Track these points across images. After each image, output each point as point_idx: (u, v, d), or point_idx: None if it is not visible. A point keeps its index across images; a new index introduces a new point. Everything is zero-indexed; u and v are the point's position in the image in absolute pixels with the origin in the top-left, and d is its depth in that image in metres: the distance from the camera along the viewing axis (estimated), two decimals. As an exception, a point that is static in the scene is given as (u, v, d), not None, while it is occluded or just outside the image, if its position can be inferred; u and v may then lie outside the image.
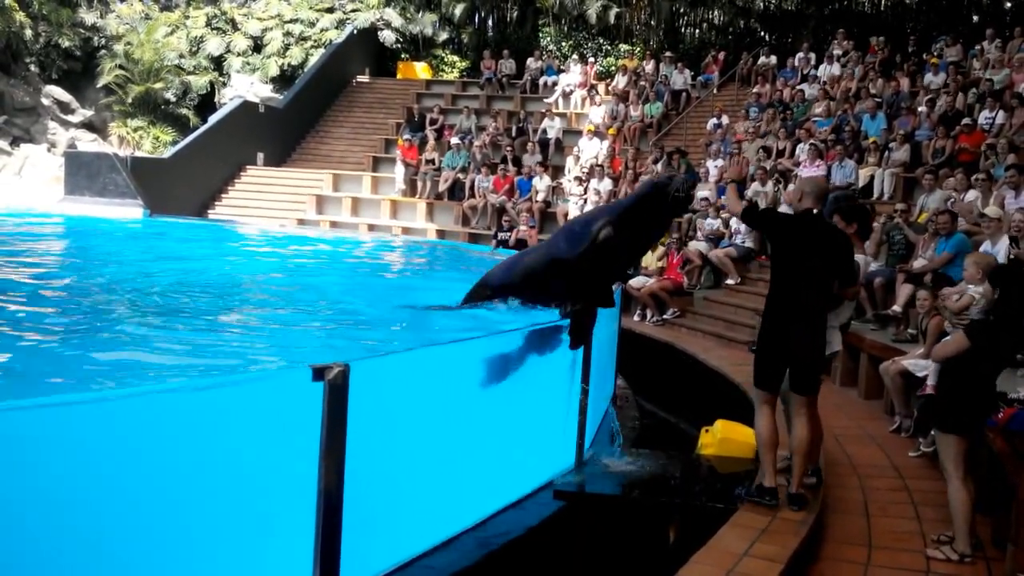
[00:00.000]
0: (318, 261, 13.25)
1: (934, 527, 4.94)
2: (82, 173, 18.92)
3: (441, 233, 17.91)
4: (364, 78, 25.20)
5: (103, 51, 25.67)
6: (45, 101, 25.03)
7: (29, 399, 2.44)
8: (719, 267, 13.21)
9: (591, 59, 23.63)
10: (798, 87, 17.98)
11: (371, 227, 18.47)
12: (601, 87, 21.97)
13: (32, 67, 25.18)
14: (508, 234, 15.73)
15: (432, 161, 19.23)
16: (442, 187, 18.66)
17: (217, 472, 2.98)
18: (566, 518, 4.97)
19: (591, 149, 18.21)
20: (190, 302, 8.11)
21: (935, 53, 16.90)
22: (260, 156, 21.61)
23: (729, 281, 13.06)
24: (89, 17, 26.11)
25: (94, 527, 2.66)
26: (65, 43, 25.37)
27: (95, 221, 16.45)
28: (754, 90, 18.63)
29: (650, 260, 13.45)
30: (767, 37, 24.36)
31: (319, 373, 3.05)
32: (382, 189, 19.82)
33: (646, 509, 5.17)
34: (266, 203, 20.07)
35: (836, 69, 17.98)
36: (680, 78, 20.39)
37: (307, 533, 3.13)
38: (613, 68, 23.21)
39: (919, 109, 14.80)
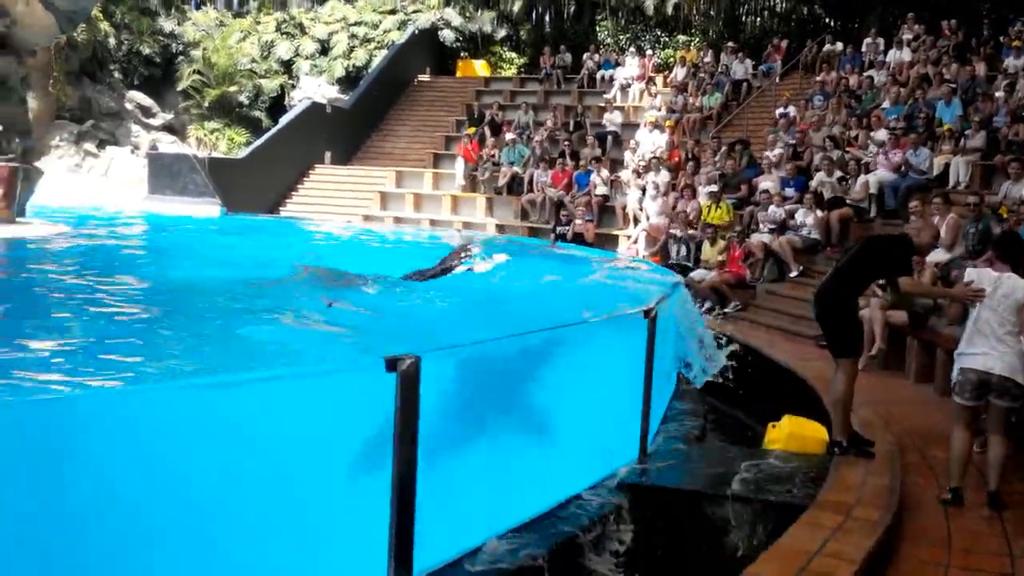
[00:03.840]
0: (391, 254, 12.94)
1: (1018, 528, 4.64)
2: (164, 173, 19.00)
3: (500, 228, 17.29)
4: (425, 77, 24.76)
5: (181, 57, 25.66)
6: (128, 106, 25.15)
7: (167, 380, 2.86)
8: (782, 258, 12.38)
9: (649, 51, 22.68)
10: (866, 74, 16.70)
11: (432, 222, 17.95)
12: (659, 79, 20.94)
13: (116, 74, 25.27)
14: (566, 228, 15.09)
15: (491, 157, 18.63)
16: (501, 182, 17.95)
17: (296, 459, 2.95)
18: (630, 510, 4.77)
19: (649, 142, 17.27)
20: (270, 296, 8.02)
21: (1013, 35, 15.55)
22: (327, 155, 21.33)
23: (792, 273, 12.23)
24: (168, 25, 26.19)
25: (200, 504, 2.68)
26: (146, 50, 25.47)
27: (178, 219, 16.47)
28: (818, 78, 17.30)
29: (711, 254, 12.65)
30: (831, 23, 22.87)
31: (392, 364, 3.00)
32: (443, 185, 19.27)
33: (712, 503, 4.91)
34: (333, 200, 19.79)
35: (906, 55, 16.57)
36: (741, 68, 19.13)
37: (382, 518, 3.08)
38: (671, 60, 22.20)
39: (996, 94, 13.59)
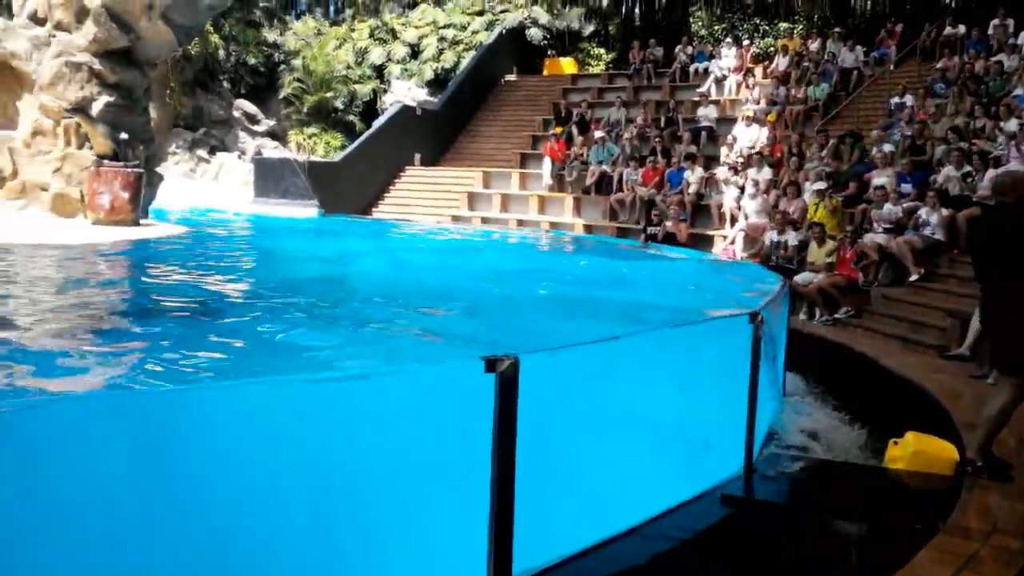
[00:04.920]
0: (488, 254, 12.59)
1: None
2: (268, 177, 18.98)
3: (588, 228, 16.00)
4: (512, 77, 23.72)
5: (282, 66, 25.76)
6: (236, 113, 25.32)
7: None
8: (900, 260, 10.57)
9: (746, 41, 20.76)
10: (994, 59, 14.45)
11: (520, 222, 16.90)
12: (758, 70, 19.02)
13: (225, 84, 25.57)
14: (658, 228, 13.63)
15: (579, 156, 17.23)
16: (589, 181, 16.53)
17: (398, 459, 2.78)
18: (733, 525, 4.30)
19: (748, 136, 15.50)
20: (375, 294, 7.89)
21: None
22: (417, 156, 20.59)
23: (911, 277, 10.42)
24: (271, 35, 26.40)
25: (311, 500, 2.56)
26: (251, 60, 25.74)
27: (283, 220, 16.82)
28: (938, 65, 15.11)
29: (818, 255, 10.97)
30: (952, 4, 20.11)
31: (491, 365, 2.87)
32: (530, 185, 18.09)
33: (823, 523, 4.39)
34: (423, 201, 19.07)
35: (1041, 36, 14.36)
36: (850, 56, 16.92)
37: (481, 521, 2.93)
38: (772, 49, 20.20)
39: None
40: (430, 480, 2.90)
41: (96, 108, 11.17)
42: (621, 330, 4.19)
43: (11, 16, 12.32)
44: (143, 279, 8.37)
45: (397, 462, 2.79)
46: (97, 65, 11.30)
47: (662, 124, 17.48)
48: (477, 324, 6.55)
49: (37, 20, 11.65)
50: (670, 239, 13.25)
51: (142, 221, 11.57)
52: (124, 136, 11.33)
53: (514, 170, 18.74)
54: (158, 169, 13.44)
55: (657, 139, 16.49)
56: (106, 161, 11.10)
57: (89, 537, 2.11)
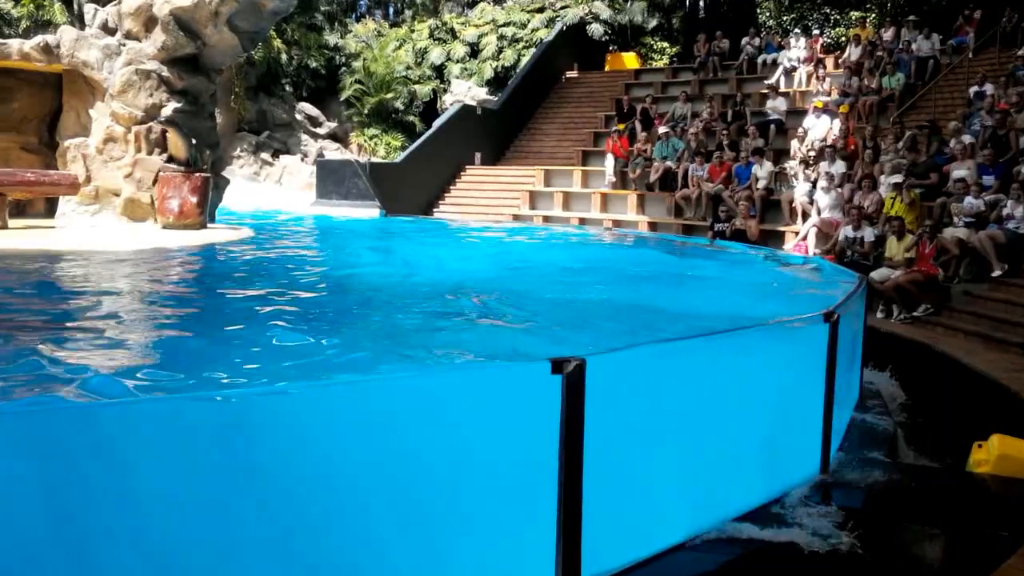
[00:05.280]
0: (557, 254, 12.42)
1: None
2: (331, 179, 19.15)
3: (653, 225, 15.77)
4: (573, 73, 23.53)
5: (343, 68, 26.14)
6: (298, 116, 25.84)
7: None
8: (983, 255, 10.16)
9: (816, 31, 20.27)
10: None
11: (582, 220, 16.80)
12: (829, 61, 18.57)
13: (287, 87, 26.09)
14: (725, 225, 13.38)
15: (643, 152, 17.01)
16: (653, 178, 16.29)
17: (465, 460, 2.78)
18: (809, 532, 4.05)
19: (819, 129, 15.11)
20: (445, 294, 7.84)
21: None
22: (477, 156, 20.60)
23: (995, 272, 10.01)
24: (332, 39, 26.72)
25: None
26: (313, 64, 26.17)
27: (346, 221, 16.99)
28: (1020, 52, 14.40)
29: (897, 250, 10.62)
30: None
31: (557, 366, 2.87)
32: (592, 182, 17.93)
33: (903, 529, 4.23)
34: (483, 200, 19.08)
35: None
36: (926, 44, 16.35)
37: (549, 525, 2.95)
38: (843, 39, 19.68)
39: None
40: (498, 482, 2.89)
41: (165, 114, 11.48)
42: (688, 331, 4.13)
43: (83, 26, 12.74)
44: (218, 280, 8.54)
45: (465, 464, 2.79)
46: (165, 72, 11.60)
47: (729, 118, 17.14)
48: (543, 325, 6.51)
49: (108, 30, 12.01)
50: (739, 236, 12.99)
51: (209, 224, 11.80)
52: (192, 141, 11.61)
53: (575, 168, 18.59)
54: (224, 173, 13.71)
55: (724, 133, 16.18)
56: (174, 166, 11.40)
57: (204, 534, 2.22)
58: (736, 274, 9.84)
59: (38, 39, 11.51)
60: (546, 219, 17.22)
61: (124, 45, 11.64)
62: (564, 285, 8.66)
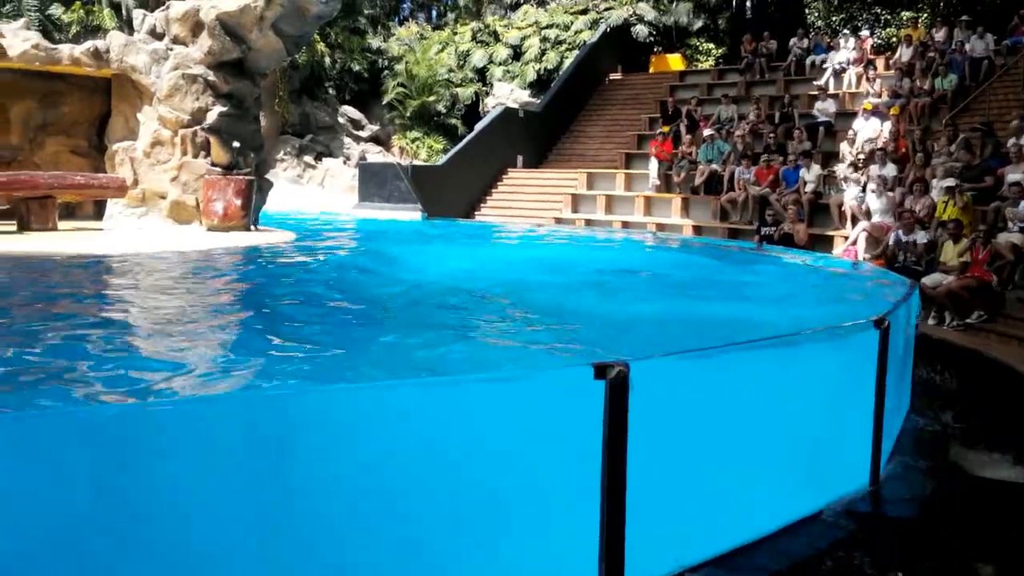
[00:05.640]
0: (594, 257, 12.42)
1: None
2: (373, 182, 19.34)
3: (697, 229, 15.66)
4: (616, 75, 23.49)
5: (386, 72, 26.42)
6: (341, 120, 26.11)
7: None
8: (1040, 262, 9.91)
9: (865, 32, 19.96)
10: None
11: (624, 224, 16.70)
12: (879, 62, 18.24)
13: (331, 91, 26.37)
14: (772, 229, 13.19)
15: (687, 155, 16.90)
16: (698, 181, 16.17)
17: (508, 465, 2.79)
18: (858, 542, 4.01)
19: (869, 131, 14.89)
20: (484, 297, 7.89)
21: None
22: (520, 159, 20.63)
23: (1053, 279, 9.76)
24: (375, 42, 26.90)
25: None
26: (356, 67, 26.43)
27: (388, 223, 17.20)
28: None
29: (950, 254, 10.39)
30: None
31: (600, 371, 2.87)
32: (635, 186, 17.83)
33: (958, 543, 4.05)
34: (525, 203, 19.10)
35: None
36: (980, 44, 15.94)
37: (591, 532, 2.94)
38: (894, 39, 19.36)
39: None
40: (540, 486, 2.88)
41: (210, 118, 11.70)
42: (734, 338, 4.05)
43: (132, 32, 13.05)
44: (262, 281, 8.69)
45: (507, 468, 2.79)
46: (211, 76, 11.83)
47: (776, 120, 16.96)
48: (585, 330, 6.50)
49: (156, 35, 12.29)
50: (786, 240, 12.81)
51: (253, 227, 12.02)
52: (236, 144, 11.81)
53: (619, 171, 18.52)
54: (267, 176, 13.91)
55: (771, 135, 16.02)
56: (219, 169, 11.62)
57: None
58: (783, 279, 9.73)
59: (88, 44, 11.81)
60: (588, 222, 17.19)
61: (171, 50, 11.90)
62: (607, 289, 8.64)
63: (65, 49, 11.68)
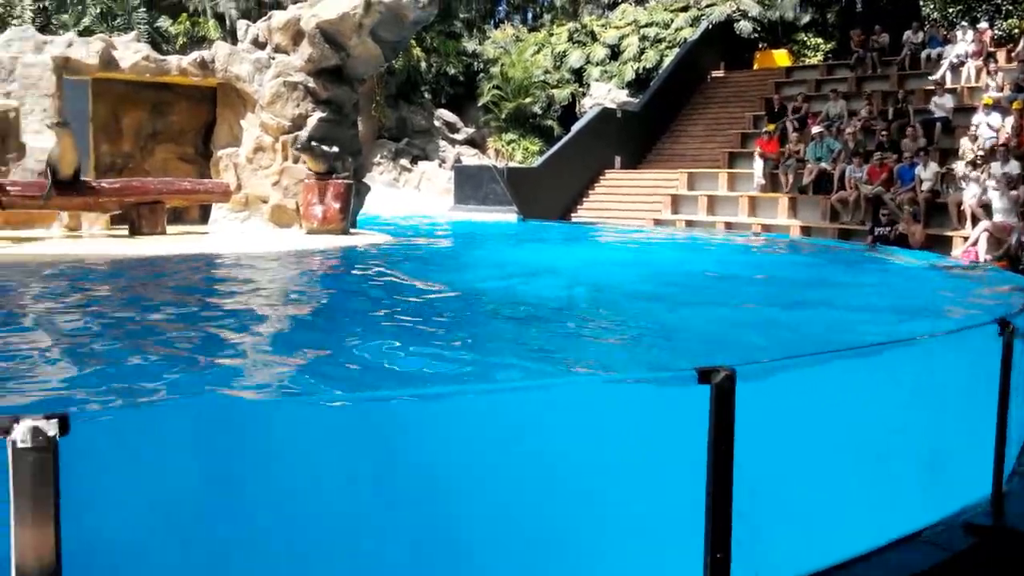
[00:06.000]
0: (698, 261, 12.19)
1: None
2: (468, 184, 19.50)
3: (806, 230, 15.20)
4: (719, 73, 23.06)
5: (481, 74, 26.63)
6: (436, 123, 26.48)
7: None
8: None
9: (984, 24, 18.96)
10: None
11: (728, 225, 16.38)
12: (1000, 55, 17.35)
13: (426, 94, 26.78)
14: (887, 229, 12.70)
15: (795, 153, 16.43)
16: (806, 180, 15.71)
17: (606, 473, 2.74)
18: (980, 557, 3.88)
19: (990, 127, 14.15)
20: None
21: None
22: (618, 159, 20.43)
23: None
24: (470, 45, 27.12)
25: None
26: (451, 71, 26.73)
27: (485, 225, 17.27)
28: None
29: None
30: None
31: (705, 376, 2.79)
32: (739, 185, 17.43)
33: None
34: (623, 205, 18.93)
35: None
36: (1113, 30, 15.23)
37: (696, 542, 2.81)
38: (1016, 31, 18.36)
39: None
40: (642, 495, 2.83)
41: (310, 124, 12.04)
42: (847, 342, 3.92)
43: (235, 41, 13.55)
44: (360, 283, 8.85)
45: (608, 476, 2.75)
46: (311, 83, 12.17)
47: (890, 116, 16.32)
48: (687, 334, 6.36)
49: (258, 44, 12.73)
50: (901, 241, 12.31)
51: (351, 230, 12.28)
52: (335, 149, 12.11)
53: (721, 170, 18.15)
54: (365, 179, 14.20)
55: (884, 132, 15.40)
56: (318, 173, 11.93)
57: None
58: (900, 282, 9.33)
59: (195, 55, 12.32)
60: (689, 223, 16.90)
61: (273, 58, 12.30)
62: (712, 292, 8.46)
63: (173, 60, 12.21)
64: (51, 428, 1.60)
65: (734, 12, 23.34)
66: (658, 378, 3.16)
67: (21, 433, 1.59)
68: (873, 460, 3.74)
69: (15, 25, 16.20)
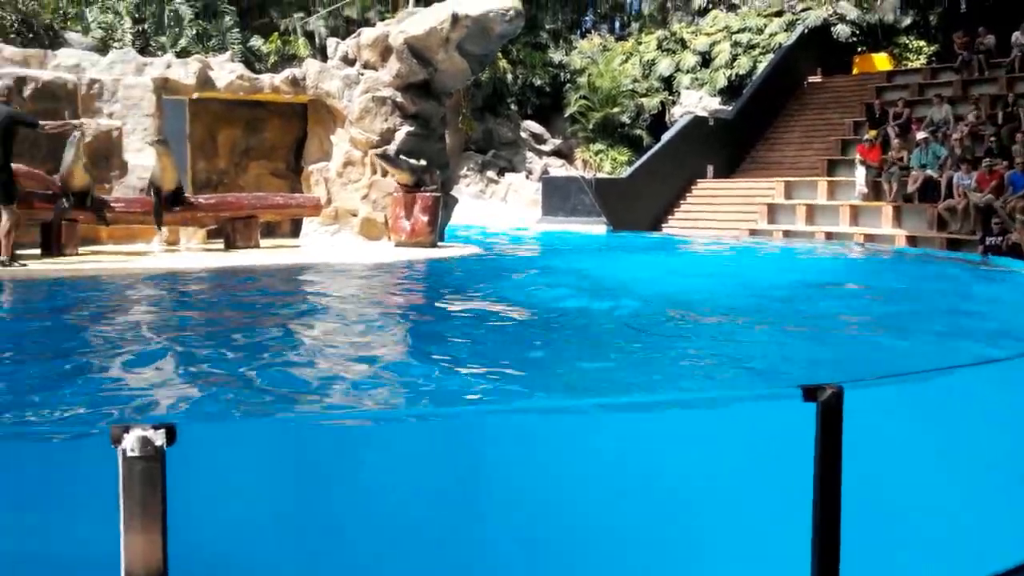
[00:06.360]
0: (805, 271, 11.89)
1: None
2: (556, 196, 19.62)
3: (912, 239, 14.72)
4: (816, 78, 22.60)
5: (568, 85, 26.60)
6: (523, 134, 26.61)
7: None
8: None
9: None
10: None
11: (828, 235, 15.98)
12: (1124, 51, 16.55)
13: (512, 106, 26.90)
14: (999, 239, 12.13)
15: (898, 160, 15.90)
16: (911, 188, 15.20)
17: (708, 495, 2.71)
18: None
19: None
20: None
21: None
22: (710, 168, 20.17)
23: None
24: (556, 56, 27.17)
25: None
26: (537, 82, 26.81)
27: (573, 237, 17.33)
28: None
29: None
30: None
31: (811, 393, 2.70)
32: (839, 194, 17.01)
33: None
34: (716, 215, 18.72)
35: None
36: None
37: (803, 566, 2.69)
38: None
39: None
40: (742, 518, 2.76)
41: (398, 138, 12.28)
42: (961, 359, 3.81)
43: (325, 59, 13.95)
44: (449, 294, 9.03)
45: (711, 497, 2.71)
46: (399, 98, 12.42)
47: (999, 120, 15.63)
48: (791, 351, 6.19)
49: (348, 61, 13.08)
50: (1015, 251, 11.75)
51: (439, 242, 12.45)
52: (423, 163, 12.31)
53: (820, 178, 17.74)
54: (452, 192, 14.40)
55: (992, 138, 14.76)
56: (406, 186, 12.14)
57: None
58: (1016, 295, 8.90)
59: (286, 73, 12.73)
60: (787, 234, 16.60)
61: (362, 75, 12.60)
62: (813, 304, 8.25)
63: (266, 78, 12.62)
64: (159, 438, 1.66)
65: (831, 16, 22.80)
66: (761, 395, 3.10)
67: (131, 442, 1.65)
68: (985, 481, 3.56)
69: (117, 48, 17.00)
